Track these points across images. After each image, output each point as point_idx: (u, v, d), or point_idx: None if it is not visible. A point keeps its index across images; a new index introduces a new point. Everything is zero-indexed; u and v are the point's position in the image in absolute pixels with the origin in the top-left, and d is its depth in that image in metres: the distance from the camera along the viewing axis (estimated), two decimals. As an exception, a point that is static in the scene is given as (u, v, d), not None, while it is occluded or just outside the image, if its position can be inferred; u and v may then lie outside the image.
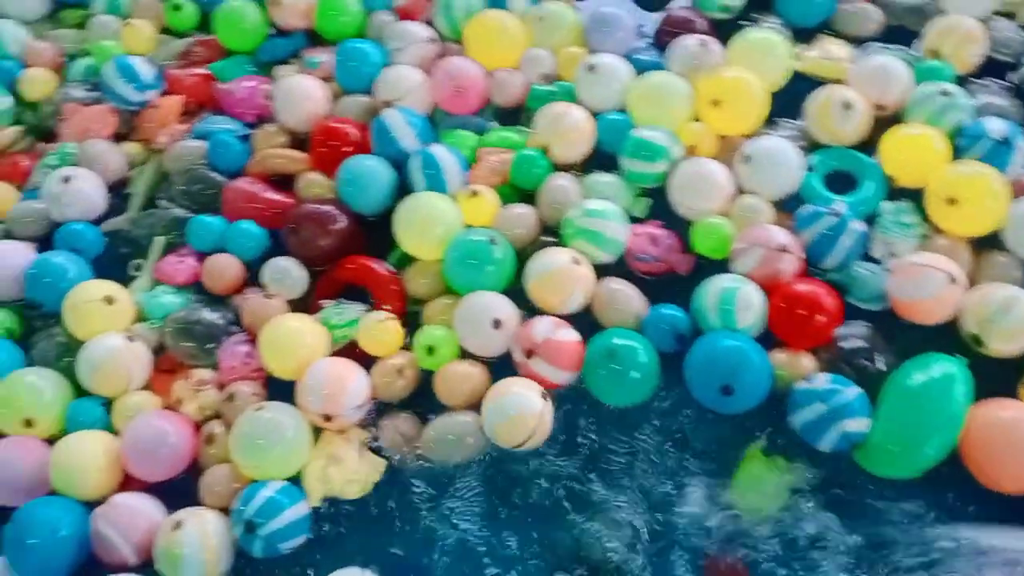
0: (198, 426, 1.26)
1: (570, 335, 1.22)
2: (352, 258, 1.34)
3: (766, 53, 1.40)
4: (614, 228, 1.28)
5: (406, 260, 1.35)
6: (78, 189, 1.45)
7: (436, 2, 1.55)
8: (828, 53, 1.44)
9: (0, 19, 1.74)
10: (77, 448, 1.23)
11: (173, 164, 1.49)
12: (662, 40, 1.48)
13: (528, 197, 1.36)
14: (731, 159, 1.34)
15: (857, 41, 1.46)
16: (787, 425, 1.17)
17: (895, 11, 1.47)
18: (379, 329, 1.26)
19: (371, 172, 1.38)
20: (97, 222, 1.47)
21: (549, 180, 1.34)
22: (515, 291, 1.28)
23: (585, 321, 1.26)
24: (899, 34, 1.46)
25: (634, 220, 1.32)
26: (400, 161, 1.39)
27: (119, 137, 1.56)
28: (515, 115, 1.46)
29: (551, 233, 1.32)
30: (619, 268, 1.30)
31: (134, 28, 1.64)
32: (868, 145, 1.34)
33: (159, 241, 1.43)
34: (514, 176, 1.36)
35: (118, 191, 1.51)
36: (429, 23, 1.55)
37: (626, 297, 1.25)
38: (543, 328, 1.21)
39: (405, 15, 1.56)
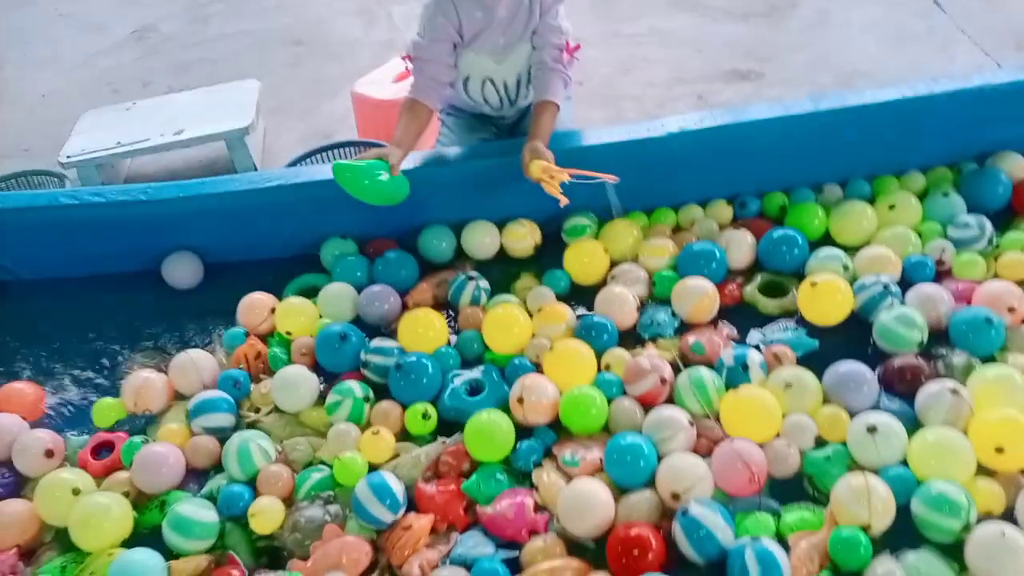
0: None
1: None
2: None
3: (1012, 389, 1.46)
4: None
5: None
6: None
7: (681, 383, 1.56)
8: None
9: (250, 430, 1.62)
10: None
11: (429, 596, 1.33)
12: (892, 386, 1.55)
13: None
14: (1013, 496, 1.35)
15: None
16: None
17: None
18: None
19: None
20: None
21: (875, 562, 1.28)
22: None
23: None
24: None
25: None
26: (716, 558, 1.32)
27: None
28: (789, 485, 1.44)
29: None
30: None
31: (379, 438, 1.54)
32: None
33: None
34: (837, 559, 1.30)
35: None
36: (669, 401, 1.56)
37: None
38: None
39: (646, 400, 1.56)
